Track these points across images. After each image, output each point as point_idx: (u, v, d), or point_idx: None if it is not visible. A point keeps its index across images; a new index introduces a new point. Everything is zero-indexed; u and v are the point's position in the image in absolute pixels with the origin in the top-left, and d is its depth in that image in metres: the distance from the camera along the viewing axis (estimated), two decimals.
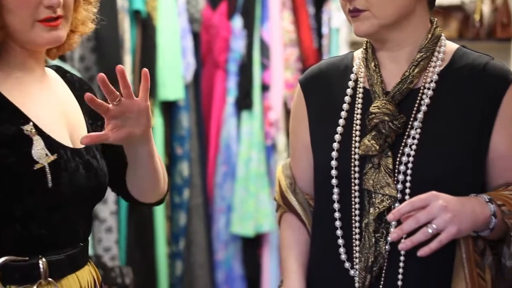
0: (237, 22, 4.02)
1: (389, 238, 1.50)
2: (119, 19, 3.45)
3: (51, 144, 1.45)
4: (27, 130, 1.42)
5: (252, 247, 4.01)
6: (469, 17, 4.57)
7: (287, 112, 4.11)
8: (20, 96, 1.46)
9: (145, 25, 3.61)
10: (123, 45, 3.49)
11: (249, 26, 4.02)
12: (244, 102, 3.98)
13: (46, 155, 1.42)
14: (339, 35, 4.27)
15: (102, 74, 1.38)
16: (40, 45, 1.48)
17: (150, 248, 3.55)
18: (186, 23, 3.82)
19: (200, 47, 3.99)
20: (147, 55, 3.60)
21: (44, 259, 1.42)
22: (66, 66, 2.87)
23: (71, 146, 1.50)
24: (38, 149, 1.42)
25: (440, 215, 1.36)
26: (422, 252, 1.37)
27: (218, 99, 4.00)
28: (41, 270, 1.42)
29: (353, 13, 1.51)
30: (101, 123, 1.60)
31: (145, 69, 1.44)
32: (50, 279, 1.43)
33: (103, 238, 3.20)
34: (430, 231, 1.36)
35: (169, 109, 3.79)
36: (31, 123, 1.43)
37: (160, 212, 3.60)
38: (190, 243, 3.85)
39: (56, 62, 2.55)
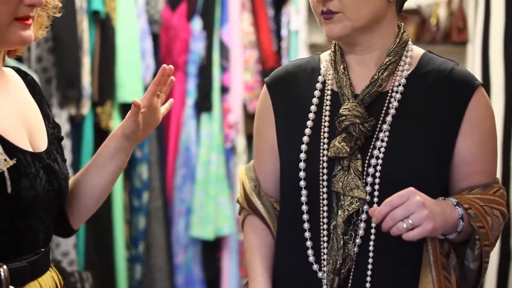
0: (197, 24, 4.00)
1: (357, 240, 1.50)
2: (78, 19, 3.40)
3: (9, 148, 1.41)
4: None
5: (212, 250, 3.99)
6: (426, 21, 4.63)
7: (247, 114, 4.11)
8: None
9: (104, 26, 3.56)
10: (82, 46, 3.44)
11: (208, 27, 4.00)
12: (203, 104, 3.96)
13: (5, 160, 1.38)
14: (298, 37, 4.28)
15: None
16: (15, 44, 1.46)
17: (109, 252, 3.51)
18: (145, 24, 3.79)
19: (159, 48, 3.96)
20: (106, 56, 3.55)
21: (5, 267, 1.39)
22: (23, 67, 2.83)
23: (31, 150, 1.47)
24: None
25: (417, 211, 1.37)
26: (392, 233, 1.38)
27: (177, 101, 3.97)
28: (2, 278, 1.38)
29: (326, 15, 1.51)
30: (57, 130, 1.63)
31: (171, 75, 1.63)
32: (11, 287, 1.40)
33: (61, 243, 3.15)
34: (405, 226, 1.37)
35: (128, 111, 3.74)
36: None
37: (119, 216, 3.55)
38: (150, 246, 3.81)
39: (13, 62, 2.50)
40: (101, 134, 3.58)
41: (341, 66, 1.58)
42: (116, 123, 3.60)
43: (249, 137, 4.16)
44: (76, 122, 3.50)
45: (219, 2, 4.04)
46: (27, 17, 1.43)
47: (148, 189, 3.79)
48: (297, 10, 4.28)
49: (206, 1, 4.01)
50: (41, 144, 1.53)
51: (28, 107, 1.56)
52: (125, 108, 3.71)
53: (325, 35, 1.55)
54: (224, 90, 4.03)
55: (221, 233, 3.93)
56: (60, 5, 1.58)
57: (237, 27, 4.07)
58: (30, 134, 1.50)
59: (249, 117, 4.10)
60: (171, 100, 1.73)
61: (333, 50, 1.62)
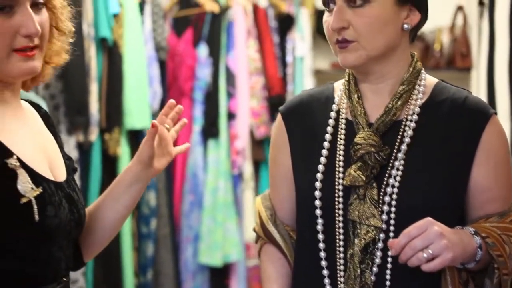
0: (203, 50, 4.02)
1: (374, 269, 1.50)
2: (86, 46, 3.42)
3: (35, 177, 1.42)
4: (11, 164, 1.39)
5: (220, 277, 3.98)
6: (429, 47, 4.67)
7: (254, 140, 4.12)
8: (0, 129, 1.43)
9: (111, 52, 3.58)
10: (89, 72, 3.47)
11: (214, 54, 4.03)
12: (210, 131, 3.97)
13: (32, 188, 1.40)
14: (303, 63, 4.31)
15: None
16: (16, 76, 1.45)
17: (118, 279, 3.50)
18: (152, 51, 3.81)
19: (166, 75, 3.98)
20: (113, 83, 3.57)
21: None
22: (30, 94, 2.84)
23: (53, 179, 1.48)
24: (24, 183, 1.39)
25: (436, 240, 1.37)
26: (411, 265, 1.38)
27: (184, 127, 3.96)
28: None
29: (341, 44, 1.52)
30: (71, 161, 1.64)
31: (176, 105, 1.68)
32: None
33: None
34: (425, 255, 1.36)
35: (136, 138, 3.76)
36: (14, 157, 1.40)
37: (127, 243, 3.55)
38: (158, 273, 3.80)
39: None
40: (109, 160, 3.59)
41: (355, 95, 1.59)
42: (124, 150, 3.61)
43: (256, 163, 4.17)
44: (84, 149, 3.51)
45: (225, 29, 4.07)
46: (26, 48, 1.42)
47: (156, 216, 3.78)
48: (302, 36, 4.31)
49: (212, 27, 4.04)
50: (61, 174, 1.54)
51: (45, 138, 1.58)
52: (132, 134, 3.73)
53: (340, 64, 1.56)
54: (231, 116, 4.04)
55: (229, 260, 3.93)
56: (74, 30, 1.58)
57: (243, 54, 4.10)
58: (50, 164, 1.52)
59: (256, 143, 4.12)
60: (183, 119, 1.73)
61: (347, 79, 1.63)
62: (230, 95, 4.04)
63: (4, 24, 1.38)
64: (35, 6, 1.43)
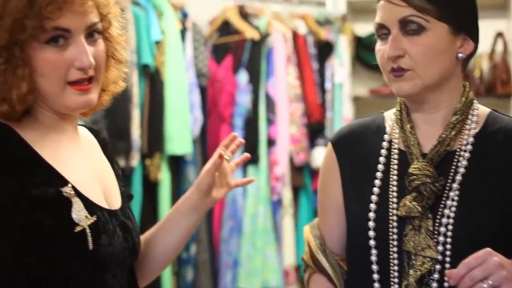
0: (243, 77, 4.05)
1: None
2: (128, 73, 3.46)
3: (89, 205, 1.42)
4: (66, 192, 1.39)
5: None
6: (469, 74, 4.64)
7: (293, 167, 4.12)
8: (55, 157, 1.44)
9: (153, 79, 3.63)
10: (132, 99, 3.51)
11: (254, 80, 4.05)
12: (250, 157, 3.97)
13: (86, 217, 1.40)
14: (342, 90, 4.31)
15: None
16: (71, 110, 1.45)
17: None
18: (193, 78, 3.85)
19: (206, 101, 4.01)
20: (155, 109, 3.62)
21: None
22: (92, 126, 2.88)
23: (107, 207, 1.49)
24: (78, 211, 1.39)
25: (496, 272, 1.35)
26: None
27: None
28: None
29: (397, 72, 1.51)
30: (126, 188, 1.65)
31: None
32: None
33: None
34: (485, 286, 1.35)
35: (176, 163, 3.78)
36: (69, 185, 1.41)
37: (167, 268, 3.56)
38: None
39: None
40: (149, 186, 3.62)
41: (408, 125, 1.58)
42: (164, 175, 3.64)
43: (296, 190, 4.17)
44: (125, 174, 3.54)
45: (265, 56, 4.10)
46: (81, 80, 1.42)
47: (196, 241, 3.80)
48: (341, 63, 4.32)
49: (251, 54, 4.06)
50: (115, 201, 1.54)
51: (102, 165, 1.58)
52: (173, 160, 3.76)
53: (394, 92, 1.55)
54: (271, 142, 4.05)
55: (268, 286, 3.91)
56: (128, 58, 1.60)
57: (283, 80, 4.12)
58: (105, 192, 1.52)
59: (295, 169, 4.12)
60: (246, 154, 1.73)
61: (398, 108, 1.63)
62: (270, 122, 4.05)
63: (58, 57, 1.39)
64: (91, 37, 1.43)
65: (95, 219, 1.41)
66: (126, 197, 1.63)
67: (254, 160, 3.98)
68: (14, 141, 1.38)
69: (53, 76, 1.39)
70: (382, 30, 1.54)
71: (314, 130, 4.17)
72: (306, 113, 4.19)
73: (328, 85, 4.29)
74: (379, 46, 1.56)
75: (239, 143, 1.66)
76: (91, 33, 1.43)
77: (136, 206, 3.54)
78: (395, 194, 1.55)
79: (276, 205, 4.05)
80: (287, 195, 4.08)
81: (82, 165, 1.50)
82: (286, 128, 4.09)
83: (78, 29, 1.40)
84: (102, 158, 1.61)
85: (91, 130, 1.65)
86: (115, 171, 1.63)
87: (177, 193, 3.79)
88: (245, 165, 4.00)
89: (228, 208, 3.98)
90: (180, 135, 3.67)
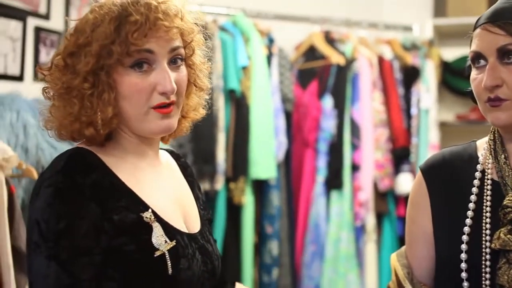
0: (328, 102, 4.04)
1: None
2: (214, 97, 3.52)
3: (168, 230, 1.44)
4: (146, 217, 1.42)
5: None
6: None
7: (377, 192, 4.08)
8: (136, 182, 1.47)
9: (239, 104, 3.67)
10: (217, 123, 3.56)
11: (339, 105, 4.04)
12: (334, 182, 3.96)
13: (165, 241, 1.42)
14: (428, 116, 4.25)
15: None
16: (153, 133, 1.48)
17: None
18: (278, 103, 3.87)
19: (291, 126, 4.02)
20: (240, 133, 3.65)
21: None
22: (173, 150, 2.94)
23: (186, 231, 1.51)
24: (158, 236, 1.41)
25: None
26: None
27: (307, 178, 4.00)
28: None
29: (494, 102, 1.48)
30: (210, 215, 1.67)
31: None
32: None
33: None
34: None
35: (260, 187, 3.80)
36: (150, 210, 1.43)
37: None
38: None
39: None
40: (233, 209, 3.65)
41: (502, 156, 1.55)
42: (248, 199, 3.66)
43: (379, 216, 4.12)
44: (209, 197, 3.58)
45: (350, 81, 4.08)
46: (163, 105, 1.44)
47: (278, 266, 3.80)
48: (427, 88, 4.26)
49: (337, 80, 4.06)
50: (195, 225, 1.56)
51: (182, 189, 1.61)
52: (257, 184, 3.77)
53: (490, 122, 1.52)
54: (355, 168, 4.02)
55: None
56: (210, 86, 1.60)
57: (368, 106, 4.09)
58: (185, 216, 1.54)
59: (379, 195, 4.07)
60: None
61: (492, 138, 1.60)
62: (355, 147, 4.02)
63: (142, 82, 1.42)
64: (174, 63, 1.46)
65: (175, 243, 1.43)
66: (206, 220, 1.65)
67: (337, 185, 3.96)
68: (98, 167, 1.41)
69: (137, 100, 1.43)
70: (479, 59, 1.51)
71: (399, 156, 4.12)
72: (391, 139, 4.14)
73: (414, 110, 4.24)
74: (475, 74, 1.53)
75: None
76: (174, 60, 1.46)
77: (219, 229, 3.57)
78: (488, 226, 1.52)
79: (359, 230, 4.02)
80: (370, 221, 4.04)
81: (162, 189, 1.52)
82: (370, 154, 4.06)
83: (162, 54, 1.43)
84: (182, 181, 1.63)
85: (172, 153, 1.68)
86: (195, 194, 1.65)
87: (260, 217, 3.80)
88: (328, 190, 3.98)
89: (311, 233, 3.97)
90: (264, 159, 3.69)
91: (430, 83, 4.28)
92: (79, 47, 1.42)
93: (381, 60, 4.22)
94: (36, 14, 3.17)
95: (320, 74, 4.11)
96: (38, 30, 3.19)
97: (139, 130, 1.47)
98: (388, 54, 4.27)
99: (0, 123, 2.68)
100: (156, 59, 1.43)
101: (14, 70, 3.03)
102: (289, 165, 3.98)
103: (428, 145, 4.19)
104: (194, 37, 1.51)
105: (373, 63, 4.15)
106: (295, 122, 4.07)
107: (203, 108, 1.60)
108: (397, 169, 4.13)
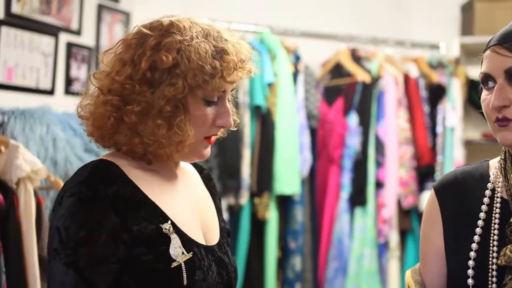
0: (353, 119, 4.07)
1: None
2: (240, 113, 3.57)
3: (186, 242, 1.48)
4: (165, 229, 1.45)
5: None
6: None
7: (401, 210, 4.09)
8: (157, 192, 1.50)
9: (264, 120, 3.71)
10: (243, 138, 3.60)
11: (364, 123, 4.06)
12: (358, 199, 3.98)
13: (183, 253, 1.45)
14: (454, 134, 4.25)
15: None
16: (195, 158, 1.55)
17: None
18: (304, 119, 3.91)
19: (316, 142, 4.05)
20: (265, 149, 3.69)
21: None
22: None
23: (204, 243, 1.54)
24: (175, 248, 1.45)
25: None
26: None
27: (331, 194, 4.02)
28: None
29: (502, 122, 1.51)
30: (225, 224, 1.69)
31: None
32: None
33: None
34: None
35: (284, 203, 3.83)
36: (169, 222, 1.47)
37: None
38: None
39: None
40: (257, 224, 3.68)
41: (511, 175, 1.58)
42: (272, 214, 3.70)
43: (403, 233, 4.13)
44: (234, 212, 3.63)
45: (376, 99, 4.10)
46: (213, 135, 1.52)
47: (301, 281, 3.82)
48: (453, 106, 4.27)
49: (362, 97, 4.08)
50: (214, 237, 1.60)
51: (202, 200, 1.64)
52: (281, 199, 3.81)
53: (499, 142, 1.55)
54: (379, 185, 4.03)
55: None
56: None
57: (393, 123, 4.10)
58: (204, 227, 1.58)
59: (403, 212, 4.08)
60: None
61: (503, 157, 1.62)
62: (379, 164, 4.04)
63: (208, 114, 1.49)
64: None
65: (191, 255, 1.47)
66: (225, 232, 1.68)
67: (361, 202, 3.97)
68: (120, 178, 1.45)
69: (199, 129, 1.49)
70: (488, 80, 1.55)
71: (424, 174, 4.13)
72: (416, 156, 4.15)
73: (439, 128, 4.24)
74: (484, 95, 1.56)
75: None
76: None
77: (243, 243, 3.61)
78: (496, 243, 1.55)
79: (382, 247, 4.02)
80: (394, 238, 4.05)
81: (182, 201, 1.56)
82: (395, 171, 4.07)
83: (228, 91, 1.52)
84: (204, 194, 1.67)
85: (195, 166, 1.72)
86: (217, 206, 1.69)
87: (284, 232, 3.83)
88: (352, 207, 4.00)
89: (334, 249, 3.99)
90: (289, 175, 3.72)
91: (456, 101, 4.28)
92: (172, 67, 1.45)
93: (406, 78, 4.23)
94: (68, 30, 3.26)
95: (346, 92, 4.14)
96: (69, 45, 3.28)
97: (184, 155, 1.53)
98: (414, 72, 4.29)
99: (31, 136, 2.76)
100: (223, 96, 1.51)
101: (46, 85, 3.12)
102: (314, 181, 4.01)
103: (453, 163, 4.19)
104: None
105: (398, 81, 4.17)
106: (320, 139, 4.10)
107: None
108: (421, 187, 4.14)
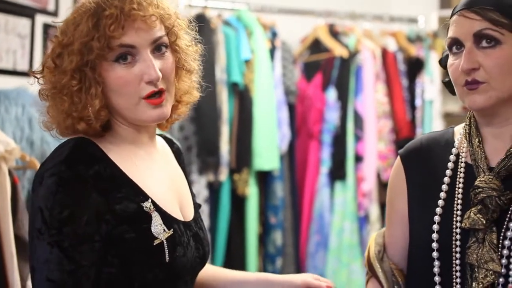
0: (332, 94, 4.08)
1: None
2: (218, 90, 3.57)
3: (166, 219, 1.49)
4: (146, 207, 1.46)
5: None
6: None
7: (380, 183, 4.12)
8: (135, 170, 1.50)
9: (242, 96, 3.72)
10: (221, 115, 3.61)
11: (343, 98, 4.08)
12: (337, 173, 4.01)
13: (164, 230, 1.46)
14: (433, 106, 4.28)
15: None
16: (146, 122, 1.51)
17: None
18: (281, 95, 3.91)
19: (295, 118, 4.07)
20: (244, 125, 3.70)
21: None
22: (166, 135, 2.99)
23: (182, 219, 1.55)
24: (157, 225, 1.45)
25: None
26: None
27: (311, 169, 4.04)
28: None
29: (471, 85, 1.51)
30: (199, 205, 1.71)
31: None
32: None
33: None
34: None
35: (264, 178, 3.85)
36: (149, 200, 1.47)
37: None
38: None
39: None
40: (237, 200, 3.70)
41: (476, 139, 1.58)
42: (252, 190, 3.71)
43: (383, 206, 4.16)
44: (214, 188, 3.64)
45: (354, 73, 4.12)
46: (153, 94, 1.47)
47: (282, 255, 3.85)
48: (431, 79, 4.29)
49: (341, 72, 4.10)
50: (189, 212, 1.61)
51: (177, 176, 1.65)
52: (261, 175, 3.83)
53: (467, 106, 1.55)
54: (358, 159, 4.06)
55: None
56: (197, 68, 1.61)
57: (371, 97, 4.12)
58: (180, 203, 1.58)
59: (382, 186, 4.11)
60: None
61: (468, 123, 1.63)
62: (358, 138, 4.06)
63: (127, 74, 1.46)
64: (158, 51, 1.49)
65: (172, 232, 1.48)
66: (198, 206, 1.69)
67: (341, 176, 4.00)
68: (100, 158, 1.45)
69: (125, 92, 1.47)
70: (456, 44, 1.54)
71: (403, 147, 4.13)
72: (395, 130, 4.18)
73: (418, 101, 4.27)
74: (451, 60, 1.55)
75: None
76: (157, 47, 1.49)
77: (223, 220, 3.62)
78: (459, 207, 1.56)
79: (362, 221, 4.06)
80: (374, 211, 4.08)
81: (159, 177, 1.56)
82: (374, 145, 4.09)
83: (143, 44, 1.46)
84: (177, 169, 1.67)
85: (166, 139, 1.72)
86: (188, 181, 1.70)
87: (264, 208, 3.86)
88: (332, 181, 4.03)
89: (315, 223, 4.02)
90: (267, 151, 3.74)
91: (434, 74, 4.30)
92: (63, 47, 1.46)
93: (384, 52, 4.25)
94: (44, 11, 3.24)
95: (324, 67, 4.15)
96: (46, 27, 3.26)
97: (133, 120, 1.50)
98: (392, 46, 4.30)
99: (6, 117, 2.75)
100: (139, 51, 1.46)
101: (23, 66, 3.10)
102: (293, 157, 4.03)
103: None
104: (174, 22, 1.53)
105: (376, 55, 4.19)
106: (299, 114, 4.12)
107: (196, 90, 1.62)
108: None
